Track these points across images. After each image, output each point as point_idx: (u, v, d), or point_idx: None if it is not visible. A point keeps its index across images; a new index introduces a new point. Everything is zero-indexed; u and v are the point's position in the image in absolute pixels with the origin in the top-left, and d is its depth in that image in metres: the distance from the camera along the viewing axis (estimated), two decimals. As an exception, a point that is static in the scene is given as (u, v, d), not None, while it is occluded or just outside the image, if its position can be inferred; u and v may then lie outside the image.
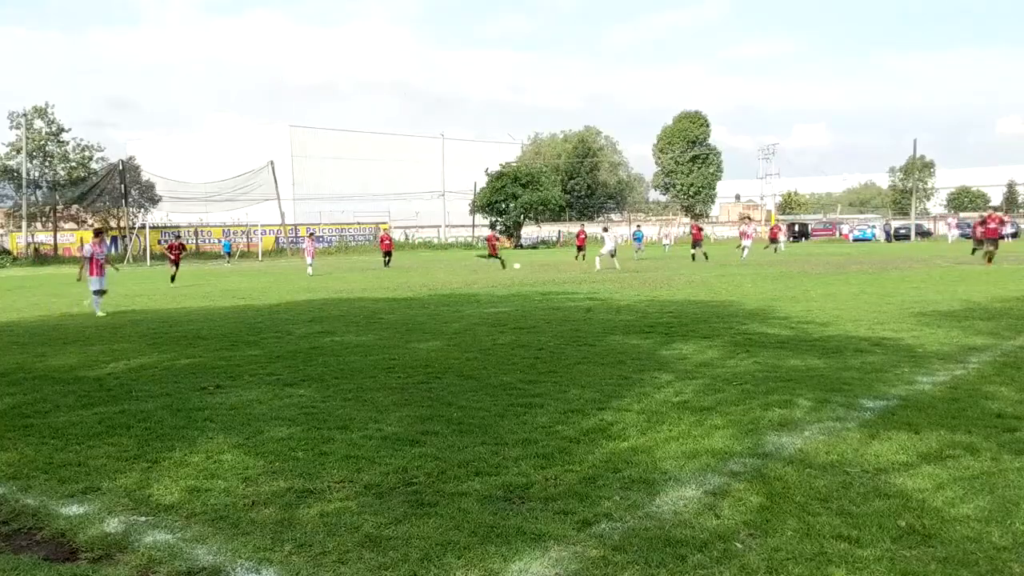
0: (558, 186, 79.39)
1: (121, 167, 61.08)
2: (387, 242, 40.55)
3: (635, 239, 47.64)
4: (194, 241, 63.43)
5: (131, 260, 53.97)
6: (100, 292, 18.30)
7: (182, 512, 5.16)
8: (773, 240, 48.42)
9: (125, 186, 60.07)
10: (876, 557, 4.27)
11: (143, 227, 58.78)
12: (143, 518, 5.08)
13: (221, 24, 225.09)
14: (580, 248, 41.91)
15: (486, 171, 74.09)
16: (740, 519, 4.82)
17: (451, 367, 9.93)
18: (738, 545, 4.46)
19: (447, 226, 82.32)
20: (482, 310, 16.87)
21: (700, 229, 41.11)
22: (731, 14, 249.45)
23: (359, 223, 73.36)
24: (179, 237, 38.35)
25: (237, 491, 5.51)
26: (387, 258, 39.57)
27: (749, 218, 77.94)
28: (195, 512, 5.15)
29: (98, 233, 20.22)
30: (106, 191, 61.59)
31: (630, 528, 4.72)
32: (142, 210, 62.53)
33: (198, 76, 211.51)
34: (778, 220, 70.51)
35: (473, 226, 79.17)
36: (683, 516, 4.88)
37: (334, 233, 69.81)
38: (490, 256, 37.24)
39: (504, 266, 35.16)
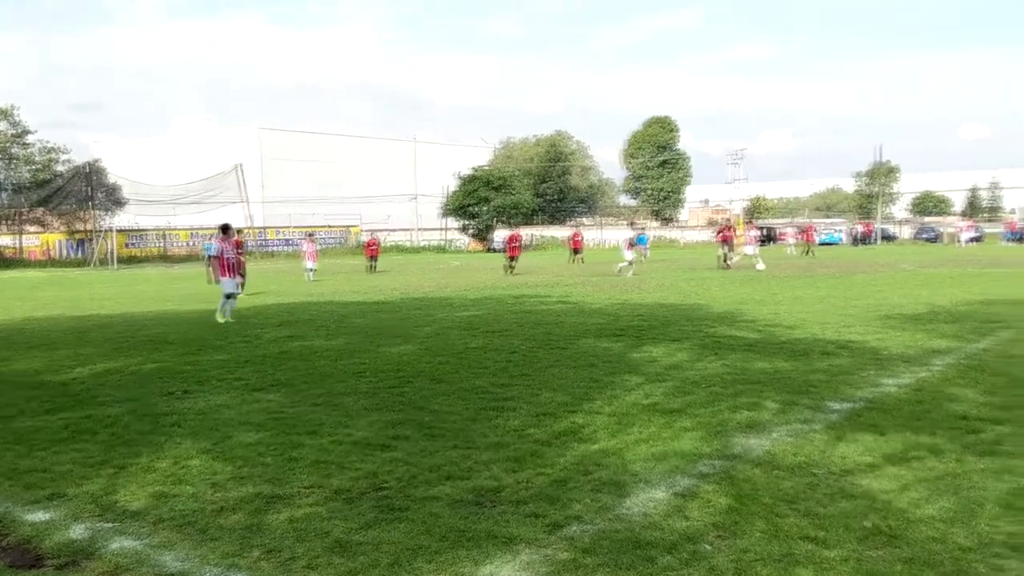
0: (529, 190, 79.49)
1: (87, 169, 60.35)
2: (374, 247, 38.90)
3: (639, 243, 45.89)
4: (161, 244, 62.83)
5: (97, 263, 53.34)
6: (231, 295, 16.49)
7: (149, 518, 5.11)
8: (809, 242, 47.99)
9: (91, 188, 59.37)
10: (842, 558, 4.32)
11: (109, 230, 58.09)
12: (109, 524, 5.03)
13: (189, 26, 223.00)
14: (576, 251, 41.25)
15: (458, 175, 74.03)
16: (708, 521, 4.86)
17: (422, 371, 9.92)
18: (706, 546, 4.49)
19: (419, 229, 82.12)
20: (454, 314, 16.85)
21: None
22: (700, 22, 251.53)
23: (329, 226, 72.94)
24: (240, 232, 32.54)
25: (205, 497, 5.47)
26: (373, 262, 37.85)
27: (738, 222, 76.72)
28: (162, 518, 5.10)
29: (225, 229, 17.38)
30: (72, 194, 60.78)
31: (600, 530, 4.74)
32: (108, 213, 61.79)
33: (165, 79, 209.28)
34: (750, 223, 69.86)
35: (445, 229, 79.05)
36: (652, 518, 4.91)
37: (303, 237, 69.29)
38: (510, 258, 33.00)
39: (509, 271, 31.96)
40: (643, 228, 53.21)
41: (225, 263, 16.55)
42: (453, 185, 74.51)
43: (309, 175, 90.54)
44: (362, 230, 72.77)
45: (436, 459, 6.16)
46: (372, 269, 37.16)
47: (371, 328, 14.50)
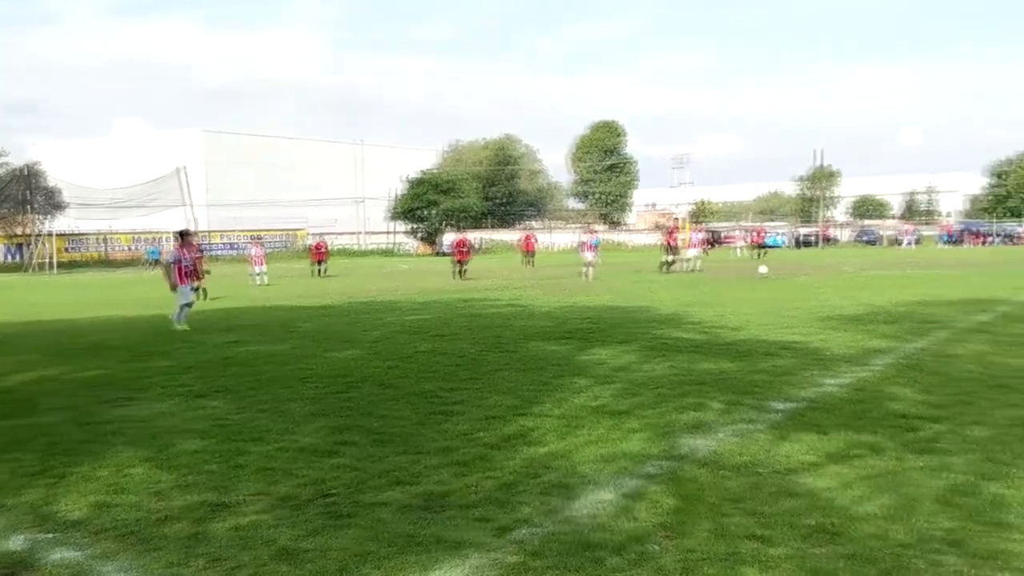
0: (478, 193, 79.52)
1: (26, 172, 58.91)
2: (321, 250, 37.69)
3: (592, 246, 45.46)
4: (102, 249, 61.55)
5: (35, 268, 52.06)
6: (189, 304, 15.95)
7: (89, 528, 5.00)
8: (760, 246, 47.79)
9: (30, 192, 57.95)
10: (786, 556, 4.39)
11: (48, 234, 56.78)
12: (48, 535, 4.91)
13: (131, 27, 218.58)
14: (529, 254, 40.70)
15: (405, 178, 73.76)
16: (656, 521, 4.91)
17: (370, 376, 9.85)
18: (654, 547, 4.53)
19: (366, 233, 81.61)
20: (402, 317, 16.78)
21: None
22: (645, 26, 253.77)
23: (274, 229, 72.12)
24: (195, 233, 29.42)
25: (147, 506, 5.37)
26: (320, 267, 36.72)
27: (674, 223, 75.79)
28: (103, 528, 5.00)
29: (184, 235, 17.03)
30: (9, 197, 59.28)
31: (548, 533, 4.75)
32: (47, 217, 60.38)
33: (107, 80, 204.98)
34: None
35: (392, 233, 78.71)
36: (600, 520, 4.94)
37: (248, 241, 68.44)
38: (459, 263, 31.68)
39: (458, 276, 30.79)
40: (594, 232, 53.01)
41: (182, 270, 15.99)
42: (401, 188, 74.22)
43: (254, 178, 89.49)
44: (308, 233, 71.98)
45: (384, 464, 6.12)
46: (319, 273, 36.16)
47: (317, 333, 14.37)
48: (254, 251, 32.32)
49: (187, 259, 16.24)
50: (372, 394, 8.76)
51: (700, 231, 41.06)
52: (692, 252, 35.48)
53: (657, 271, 32.46)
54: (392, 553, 4.51)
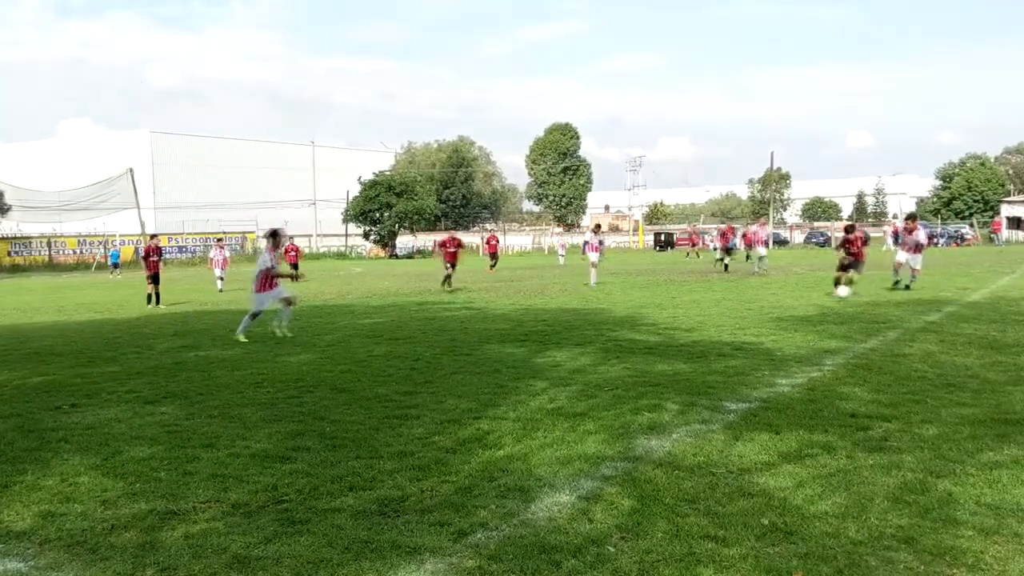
0: (433, 195, 79.35)
1: (-34, 174, 57.51)
2: (292, 253, 35.13)
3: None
4: (47, 252, 60.27)
5: (-23, 273, 50.81)
6: (257, 315, 14.35)
7: (35, 539, 4.87)
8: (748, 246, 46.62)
9: (-30, 194, 56.60)
10: (742, 555, 4.41)
11: (-9, 237, 55.49)
12: (-10, 548, 4.77)
13: (77, 27, 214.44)
14: (493, 255, 40.01)
15: (359, 179, 73.29)
16: (612, 523, 4.91)
17: (323, 380, 9.75)
18: (610, 549, 4.53)
19: (319, 235, 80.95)
20: (356, 321, 16.64)
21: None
22: (599, 29, 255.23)
23: (225, 232, 71.23)
24: (154, 237, 28.12)
25: (95, 515, 5.24)
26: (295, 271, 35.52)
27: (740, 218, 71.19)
28: (49, 538, 4.87)
29: (274, 236, 14.77)
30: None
31: (506, 536, 4.73)
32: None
33: (53, 81, 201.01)
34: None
35: (346, 235, 78.14)
36: (557, 522, 4.93)
37: (198, 244, 67.62)
38: (449, 265, 26.58)
39: (447, 284, 26.04)
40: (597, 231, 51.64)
41: (269, 276, 14.32)
42: (355, 190, 73.76)
43: (203, 180, 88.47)
44: (257, 236, 71.15)
45: (338, 470, 6.05)
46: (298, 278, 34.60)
47: (269, 337, 14.18)
48: (214, 254, 30.32)
49: (276, 265, 14.58)
50: (326, 399, 8.67)
51: (763, 228, 37.31)
52: (761, 251, 32.72)
53: (620, 273, 32.18)
54: (348, 559, 4.46)
